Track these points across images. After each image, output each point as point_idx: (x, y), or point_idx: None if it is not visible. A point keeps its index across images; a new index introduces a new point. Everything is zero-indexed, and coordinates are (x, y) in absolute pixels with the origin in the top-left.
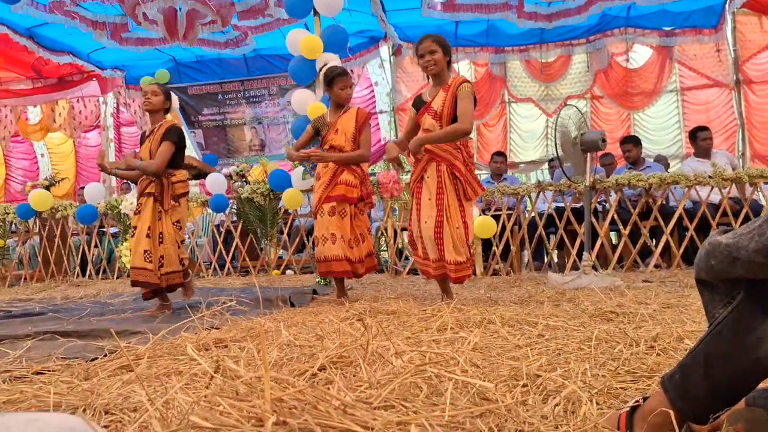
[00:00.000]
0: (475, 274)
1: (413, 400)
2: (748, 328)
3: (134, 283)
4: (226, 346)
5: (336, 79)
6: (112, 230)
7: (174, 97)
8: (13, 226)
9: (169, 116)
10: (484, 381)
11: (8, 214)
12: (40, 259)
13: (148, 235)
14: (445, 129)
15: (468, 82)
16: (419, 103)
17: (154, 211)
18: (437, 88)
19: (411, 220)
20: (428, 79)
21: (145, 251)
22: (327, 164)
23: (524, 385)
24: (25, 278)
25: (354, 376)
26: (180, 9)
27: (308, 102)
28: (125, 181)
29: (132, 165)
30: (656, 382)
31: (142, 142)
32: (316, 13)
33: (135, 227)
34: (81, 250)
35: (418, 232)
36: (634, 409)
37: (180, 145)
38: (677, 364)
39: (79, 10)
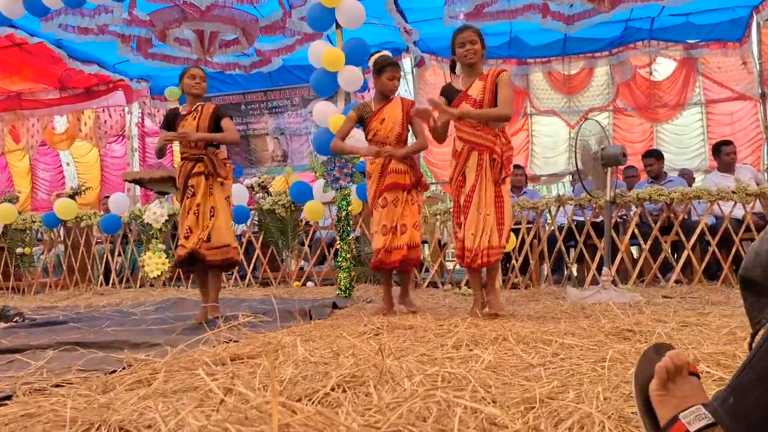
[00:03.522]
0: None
1: (421, 426)
2: None
3: (176, 263)
4: (242, 361)
5: (386, 69)
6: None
7: None
8: (39, 234)
9: None
10: (494, 404)
11: (34, 222)
12: (64, 268)
13: (195, 213)
14: (491, 109)
15: (506, 71)
16: (451, 93)
17: (206, 189)
18: (471, 78)
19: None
20: (452, 70)
21: (188, 228)
22: (374, 160)
23: (535, 408)
24: (50, 286)
25: (366, 396)
26: (205, 33)
27: (329, 114)
28: (155, 192)
29: (199, 137)
30: None
31: (171, 122)
32: (338, 26)
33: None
34: (105, 259)
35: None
36: None
37: None
38: (728, 386)
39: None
